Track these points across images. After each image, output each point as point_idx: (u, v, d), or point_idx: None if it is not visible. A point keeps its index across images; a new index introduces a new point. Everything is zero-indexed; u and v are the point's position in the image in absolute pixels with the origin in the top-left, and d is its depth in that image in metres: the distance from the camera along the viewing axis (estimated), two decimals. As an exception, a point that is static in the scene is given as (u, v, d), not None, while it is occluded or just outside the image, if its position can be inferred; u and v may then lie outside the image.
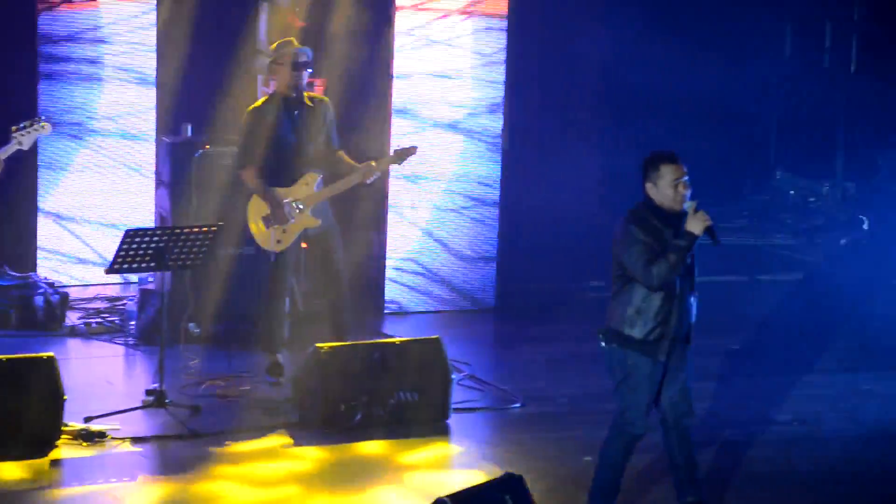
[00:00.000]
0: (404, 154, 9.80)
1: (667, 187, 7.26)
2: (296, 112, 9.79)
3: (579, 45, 14.62)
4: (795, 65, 15.93)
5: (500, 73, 11.88)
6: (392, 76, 11.70)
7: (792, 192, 15.79)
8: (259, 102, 10.04)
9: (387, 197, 11.74)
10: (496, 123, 11.95)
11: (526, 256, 13.27)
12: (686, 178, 7.27)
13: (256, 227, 9.84)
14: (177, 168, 10.98)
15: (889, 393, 10.17)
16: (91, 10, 11.84)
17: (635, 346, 7.31)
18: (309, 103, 9.84)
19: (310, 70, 9.84)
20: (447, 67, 11.73)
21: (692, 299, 7.39)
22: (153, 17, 11.97)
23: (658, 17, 14.88)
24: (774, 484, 8.36)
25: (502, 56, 11.87)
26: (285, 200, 9.75)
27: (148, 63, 12.03)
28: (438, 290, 11.98)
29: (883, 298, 12.45)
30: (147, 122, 12.08)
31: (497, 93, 11.90)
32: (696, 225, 7.19)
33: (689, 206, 7.23)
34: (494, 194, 12.04)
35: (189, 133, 11.17)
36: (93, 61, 11.89)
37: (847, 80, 15.51)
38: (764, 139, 16.07)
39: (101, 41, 11.89)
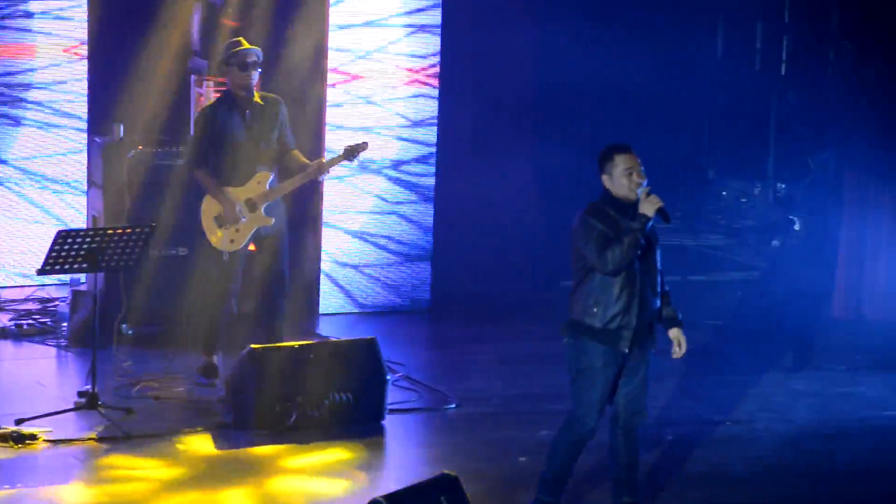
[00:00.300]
0: (355, 150, 9.78)
1: (620, 176, 7.34)
2: (247, 111, 9.77)
3: (511, 45, 14.65)
4: (727, 65, 16.03)
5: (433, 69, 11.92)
6: (326, 76, 11.68)
7: (724, 192, 15.89)
8: (211, 102, 10.04)
9: (322, 197, 11.71)
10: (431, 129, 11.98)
11: (460, 258, 13.28)
12: (642, 168, 7.34)
13: (210, 227, 9.79)
14: (109, 169, 10.90)
15: (819, 392, 10.27)
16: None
17: (594, 334, 7.35)
18: (260, 102, 9.82)
19: (259, 70, 9.81)
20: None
21: (655, 300, 7.44)
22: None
23: (591, 18, 14.93)
24: (708, 483, 8.42)
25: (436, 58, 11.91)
26: (237, 200, 9.71)
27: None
28: (373, 292, 11.97)
29: (814, 299, 12.56)
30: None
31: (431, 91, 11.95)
32: (648, 207, 7.28)
33: (641, 190, 7.32)
34: (429, 196, 12.04)
35: (121, 133, 11.09)
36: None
37: (778, 82, 15.62)
38: (696, 140, 16.15)
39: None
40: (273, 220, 9.77)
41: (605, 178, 7.41)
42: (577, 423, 7.46)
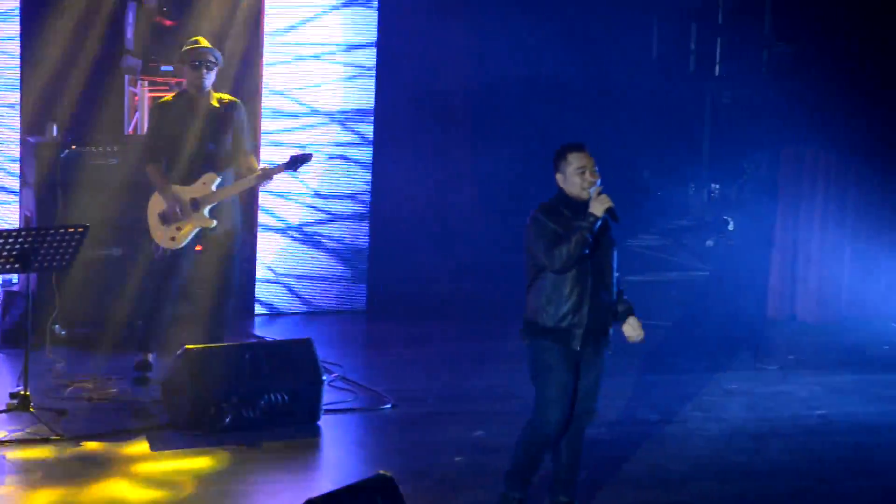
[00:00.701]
0: (299, 161, 9.77)
1: (573, 175, 7.38)
2: (200, 111, 9.74)
3: (447, 46, 14.67)
4: (662, 66, 16.14)
5: (370, 64, 11.87)
6: (262, 76, 11.65)
7: (659, 192, 15.99)
8: (167, 98, 10.02)
9: (257, 197, 11.67)
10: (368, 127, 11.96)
11: (397, 257, 13.29)
12: (596, 168, 7.38)
13: (153, 223, 9.77)
14: (42, 168, 10.81)
15: (752, 391, 10.34)
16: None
17: (546, 333, 7.38)
18: (216, 104, 9.79)
19: (212, 69, 9.74)
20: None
21: (611, 300, 7.47)
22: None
23: (526, 19, 14.99)
24: (643, 483, 8.46)
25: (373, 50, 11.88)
26: (182, 198, 9.68)
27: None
28: (309, 292, 11.94)
29: (747, 298, 12.64)
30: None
31: (368, 91, 11.91)
32: (597, 207, 7.32)
33: (593, 190, 7.36)
34: (365, 196, 12.01)
35: (54, 133, 11.02)
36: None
37: (712, 83, 15.74)
38: (631, 140, 16.24)
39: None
40: (215, 222, 9.73)
41: (558, 176, 7.44)
42: (538, 422, 7.47)
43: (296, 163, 9.76)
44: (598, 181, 7.40)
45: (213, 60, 9.73)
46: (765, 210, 12.79)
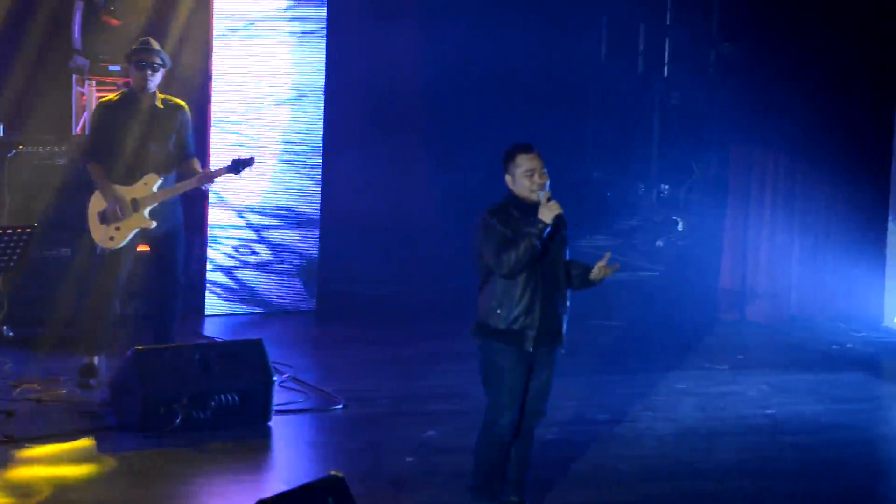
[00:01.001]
0: (241, 165, 9.74)
1: (522, 177, 7.35)
2: (144, 112, 9.70)
3: (397, 45, 14.67)
4: (611, 67, 16.18)
5: (319, 65, 11.85)
6: (211, 77, 11.60)
7: (609, 193, 16.03)
8: (111, 97, 10.00)
9: (207, 197, 11.62)
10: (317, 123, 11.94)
11: (347, 258, 13.27)
12: (545, 169, 7.36)
13: (93, 222, 9.73)
14: (-12, 168, 10.76)
15: (700, 391, 10.39)
16: None
17: (499, 336, 7.37)
18: (160, 105, 9.75)
19: (159, 71, 9.69)
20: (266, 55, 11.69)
21: (564, 300, 7.47)
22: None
23: (476, 18, 15.00)
24: (593, 482, 8.48)
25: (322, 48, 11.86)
26: (122, 198, 9.64)
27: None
28: (259, 292, 11.90)
29: (696, 299, 12.70)
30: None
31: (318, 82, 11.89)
32: (546, 213, 7.29)
33: (542, 195, 7.33)
34: (316, 197, 11.99)
35: (1, 133, 10.94)
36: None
37: (661, 83, 15.79)
38: (581, 141, 16.28)
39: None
40: (154, 223, 9.69)
41: (507, 178, 7.42)
42: (492, 424, 7.46)
43: (238, 166, 9.74)
44: (548, 182, 7.39)
45: (160, 62, 9.70)
46: (714, 210, 12.84)
